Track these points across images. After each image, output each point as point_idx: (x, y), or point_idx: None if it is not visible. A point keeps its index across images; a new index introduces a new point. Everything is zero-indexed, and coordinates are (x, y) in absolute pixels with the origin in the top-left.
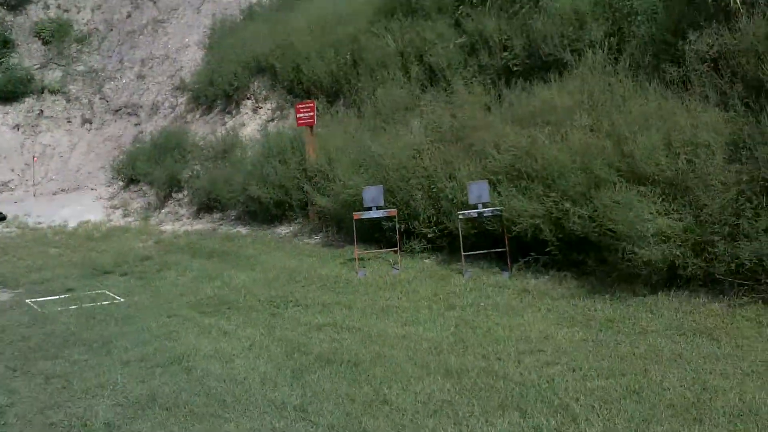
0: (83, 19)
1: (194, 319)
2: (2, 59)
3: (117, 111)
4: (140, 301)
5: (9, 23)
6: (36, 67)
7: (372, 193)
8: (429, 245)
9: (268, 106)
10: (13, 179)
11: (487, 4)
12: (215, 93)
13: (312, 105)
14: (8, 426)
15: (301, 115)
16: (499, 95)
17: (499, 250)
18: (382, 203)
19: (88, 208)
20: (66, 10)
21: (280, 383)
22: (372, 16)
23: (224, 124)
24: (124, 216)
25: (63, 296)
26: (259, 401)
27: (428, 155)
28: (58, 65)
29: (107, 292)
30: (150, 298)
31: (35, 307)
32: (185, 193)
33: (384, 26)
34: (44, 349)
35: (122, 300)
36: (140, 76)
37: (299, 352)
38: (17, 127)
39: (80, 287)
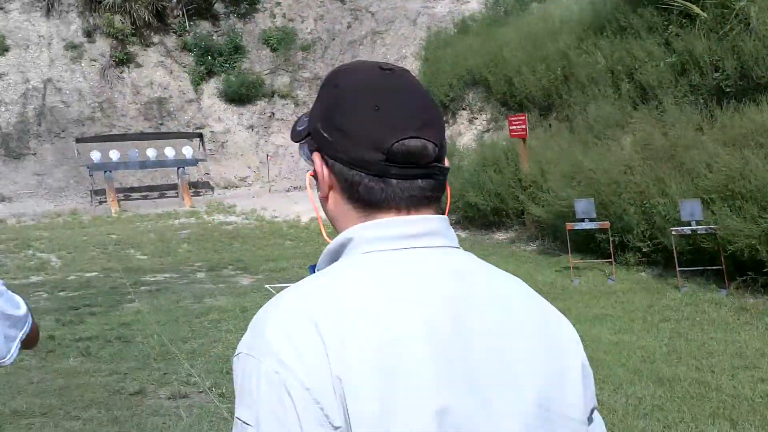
0: (307, 28)
1: None
2: (235, 64)
3: None
4: None
5: (240, 31)
6: (266, 72)
7: (584, 206)
8: (644, 259)
9: (483, 117)
10: (249, 175)
11: (696, 24)
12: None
13: (524, 118)
14: None
15: (514, 127)
16: (711, 115)
17: (715, 267)
18: (594, 215)
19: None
20: (291, 20)
21: None
22: (581, 33)
23: None
24: None
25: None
26: None
27: (639, 171)
28: (286, 71)
29: None
30: None
31: (273, 291)
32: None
33: (593, 43)
34: None
35: None
36: None
37: None
38: (251, 127)
39: None
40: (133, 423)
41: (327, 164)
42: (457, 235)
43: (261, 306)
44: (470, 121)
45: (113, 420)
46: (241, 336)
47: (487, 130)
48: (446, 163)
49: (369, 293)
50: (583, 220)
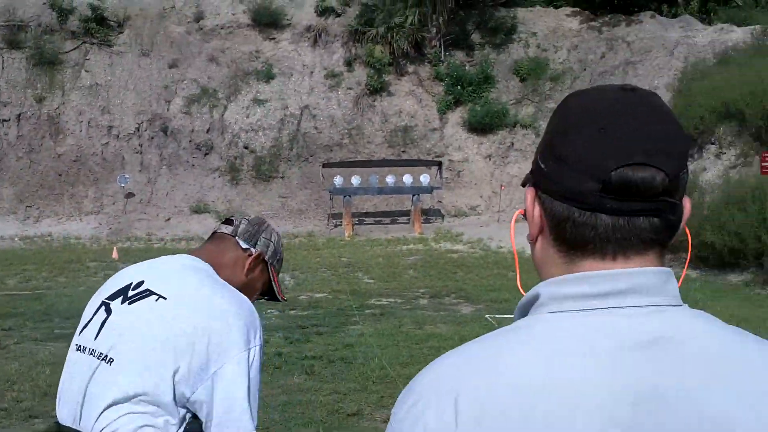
0: (559, 58)
1: None
2: (483, 93)
3: None
4: None
5: (492, 61)
6: (511, 102)
7: None
8: None
9: (732, 152)
10: (480, 205)
11: None
12: None
13: None
14: None
15: (767, 164)
16: None
17: None
18: None
19: None
20: (544, 50)
21: None
22: None
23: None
24: None
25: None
26: None
27: None
28: (531, 101)
29: None
30: None
31: (493, 322)
32: None
33: None
34: None
35: None
36: None
37: None
38: (489, 157)
39: None
40: None
41: (539, 200)
42: (687, 274)
43: (480, 335)
44: (717, 156)
45: None
46: None
47: (735, 166)
48: (686, 203)
49: (530, 364)
50: None
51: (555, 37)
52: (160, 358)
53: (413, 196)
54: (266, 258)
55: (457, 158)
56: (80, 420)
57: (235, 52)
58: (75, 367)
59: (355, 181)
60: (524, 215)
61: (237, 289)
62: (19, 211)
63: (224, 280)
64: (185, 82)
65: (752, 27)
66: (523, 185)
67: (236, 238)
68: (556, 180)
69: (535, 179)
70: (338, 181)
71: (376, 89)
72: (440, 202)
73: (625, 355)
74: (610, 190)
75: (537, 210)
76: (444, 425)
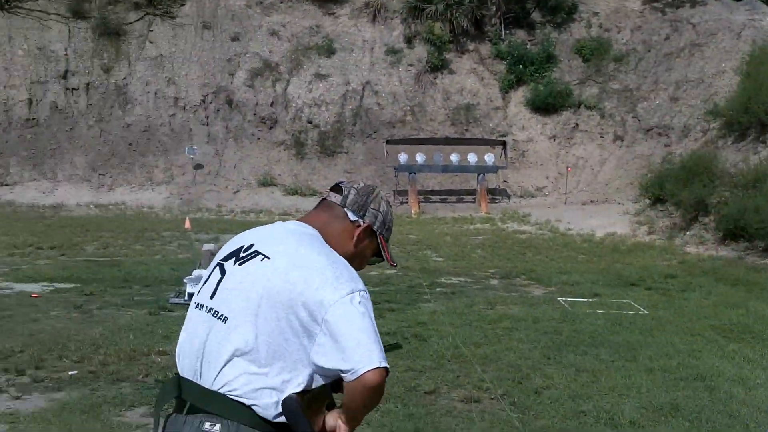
0: (622, 39)
1: (717, 342)
2: (545, 73)
3: (648, 131)
4: (663, 316)
5: (554, 40)
6: (575, 82)
7: None
8: None
9: None
10: (546, 186)
11: None
12: (749, 120)
13: None
14: (543, 405)
15: None
16: None
17: None
18: None
19: (613, 220)
20: (607, 30)
21: None
22: None
23: (757, 152)
24: (649, 233)
25: (590, 300)
26: None
27: None
28: (596, 82)
29: (632, 303)
30: (673, 315)
31: (565, 305)
32: (712, 218)
33: None
34: (574, 344)
35: (646, 312)
36: (673, 98)
37: None
38: (554, 137)
39: (606, 294)
40: (428, 421)
41: None
42: (765, 263)
43: (553, 318)
44: None
45: (408, 416)
46: (532, 346)
47: None
48: None
49: None
50: None
51: (617, 17)
52: (267, 315)
53: (478, 175)
54: (375, 228)
55: (521, 138)
56: (200, 376)
57: (295, 27)
58: (194, 324)
59: (420, 158)
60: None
61: (347, 258)
62: (93, 179)
63: (334, 249)
64: (247, 55)
65: None
66: None
67: (345, 209)
68: None
69: None
70: (403, 158)
71: (437, 66)
72: (505, 182)
73: None
74: None
75: None
76: None
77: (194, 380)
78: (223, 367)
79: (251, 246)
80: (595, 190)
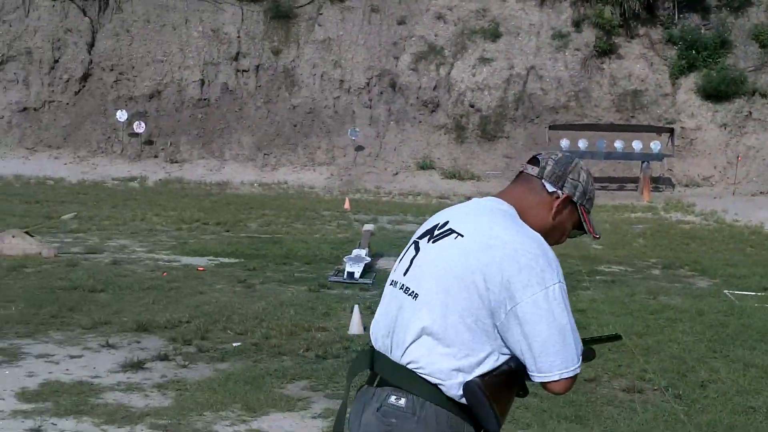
0: None
1: None
2: (719, 59)
3: None
4: None
5: (729, 25)
6: (750, 69)
7: None
8: None
9: None
10: (713, 175)
11: None
12: None
13: None
14: (709, 398)
15: None
16: None
17: None
18: None
19: None
20: None
21: None
22: None
23: None
24: None
25: (759, 294)
26: None
27: None
28: None
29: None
30: None
31: (732, 298)
32: None
33: None
34: (741, 338)
35: None
36: None
37: None
38: (724, 126)
39: None
40: (589, 409)
41: None
42: None
43: (719, 311)
44: None
45: (569, 402)
46: (697, 339)
47: None
48: None
49: None
50: None
51: None
52: (457, 295)
53: (642, 162)
54: (574, 199)
55: (689, 126)
56: (390, 351)
57: (461, 10)
58: (388, 300)
59: (582, 144)
60: None
61: (545, 231)
62: (257, 158)
63: (531, 223)
64: (413, 39)
65: None
66: None
67: (542, 180)
68: None
69: None
70: (564, 143)
71: (605, 51)
72: (670, 170)
73: None
74: None
75: None
76: None
77: (386, 354)
78: (410, 345)
79: (446, 223)
80: (765, 181)
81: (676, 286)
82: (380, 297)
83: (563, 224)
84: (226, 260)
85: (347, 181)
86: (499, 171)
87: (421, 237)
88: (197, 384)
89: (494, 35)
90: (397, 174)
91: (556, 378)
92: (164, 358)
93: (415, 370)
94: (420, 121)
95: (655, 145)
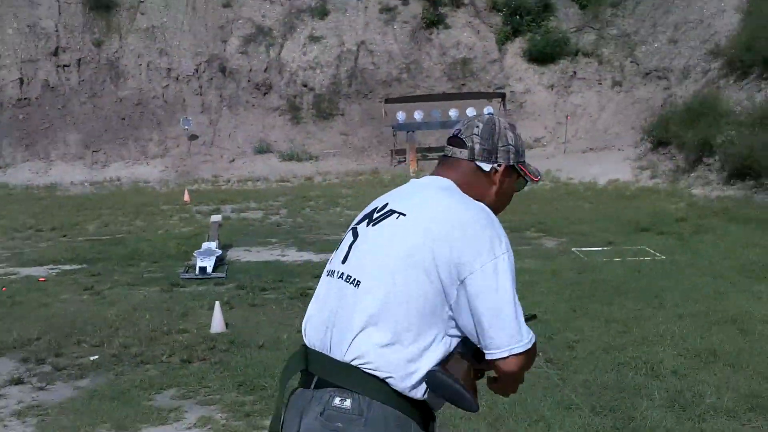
0: None
1: (741, 283)
2: (542, 22)
3: (647, 74)
4: (681, 260)
5: None
6: (572, 30)
7: None
8: None
9: None
10: (544, 136)
11: None
12: (753, 59)
13: None
14: (579, 359)
15: None
16: None
17: None
18: None
19: (615, 167)
20: None
21: None
22: None
23: (760, 90)
24: (652, 177)
25: (605, 248)
26: None
27: None
28: (593, 29)
29: (647, 249)
30: (691, 258)
31: (581, 255)
32: (716, 158)
33: None
34: (596, 294)
35: (663, 257)
36: (672, 41)
37: None
38: (551, 87)
39: (619, 242)
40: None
41: None
42: None
43: (572, 269)
44: None
45: None
46: (556, 299)
47: None
48: None
49: None
50: None
51: None
52: (403, 276)
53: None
54: (511, 164)
55: (518, 89)
56: (330, 348)
57: None
58: (324, 292)
59: (418, 116)
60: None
61: (491, 203)
62: (86, 156)
63: (475, 198)
64: (240, 21)
65: None
66: None
67: (475, 162)
68: None
69: None
70: (400, 116)
71: (433, 22)
72: None
73: None
74: None
75: None
76: None
77: (323, 351)
78: (355, 338)
79: (385, 206)
80: (594, 138)
81: (526, 248)
82: (237, 290)
83: (507, 191)
84: (68, 267)
85: (183, 173)
86: (337, 149)
87: (359, 222)
88: (58, 406)
89: (322, 13)
90: (233, 161)
91: (506, 354)
92: (18, 381)
93: (360, 366)
94: (253, 105)
95: (488, 111)
